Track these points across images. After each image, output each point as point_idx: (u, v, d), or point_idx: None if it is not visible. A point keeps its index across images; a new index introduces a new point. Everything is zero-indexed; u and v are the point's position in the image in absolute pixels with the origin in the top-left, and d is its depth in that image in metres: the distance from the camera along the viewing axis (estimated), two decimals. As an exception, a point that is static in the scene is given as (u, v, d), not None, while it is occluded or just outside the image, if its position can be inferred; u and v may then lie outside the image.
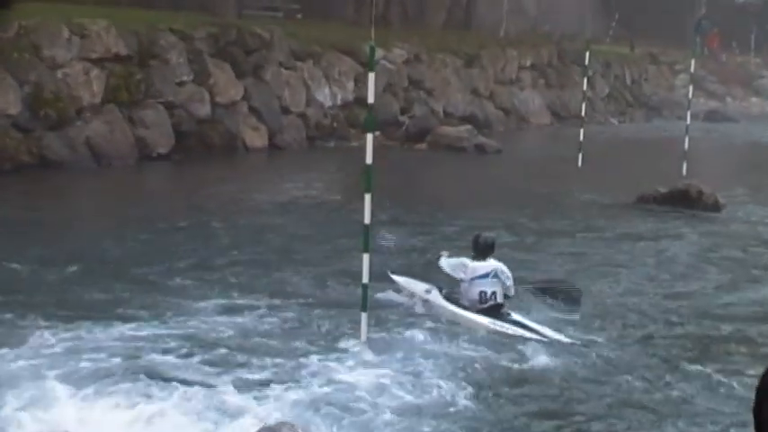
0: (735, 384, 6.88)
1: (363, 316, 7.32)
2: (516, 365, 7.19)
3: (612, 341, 7.79)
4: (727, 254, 11.36)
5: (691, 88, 19.53)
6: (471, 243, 8.32)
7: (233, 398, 6.24)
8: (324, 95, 21.73)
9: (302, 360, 6.97)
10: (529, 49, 29.64)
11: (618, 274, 10.09)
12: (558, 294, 8.25)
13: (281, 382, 6.52)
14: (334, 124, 21.60)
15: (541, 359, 7.23)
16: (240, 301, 8.41)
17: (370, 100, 7.30)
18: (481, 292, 8.07)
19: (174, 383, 6.45)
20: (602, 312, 8.58)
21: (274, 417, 5.82)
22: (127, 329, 7.51)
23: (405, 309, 8.37)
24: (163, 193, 15.29)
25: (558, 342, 7.62)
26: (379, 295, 8.43)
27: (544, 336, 7.70)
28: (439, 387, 6.59)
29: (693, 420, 6.34)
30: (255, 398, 6.30)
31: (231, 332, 7.56)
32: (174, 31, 18.58)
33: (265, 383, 6.51)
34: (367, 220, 7.31)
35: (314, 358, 6.98)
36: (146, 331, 7.47)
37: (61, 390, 6.20)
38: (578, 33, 33.00)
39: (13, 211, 12.32)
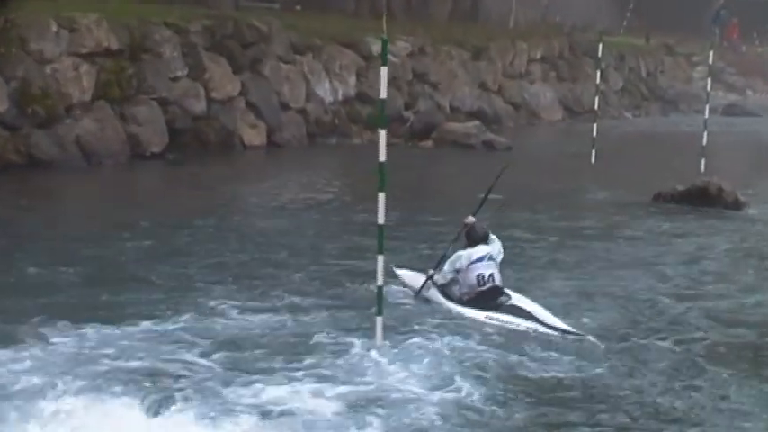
0: (764, 388, 6.91)
1: (379, 320, 7.38)
2: (531, 365, 7.25)
3: (633, 343, 7.84)
4: (749, 253, 11.40)
5: (709, 81, 19.53)
6: (464, 234, 8.68)
7: (251, 403, 6.35)
8: (324, 90, 21.78)
9: (318, 364, 7.04)
10: (539, 40, 29.69)
11: (635, 274, 10.12)
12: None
13: (294, 387, 6.60)
14: (336, 120, 21.66)
15: (564, 360, 7.27)
16: (249, 303, 8.48)
17: (383, 95, 7.31)
18: (479, 275, 8.44)
19: (183, 386, 6.57)
20: (621, 314, 8.63)
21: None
22: (134, 331, 7.65)
23: (415, 306, 8.58)
24: (157, 194, 15.33)
25: (571, 337, 7.76)
26: (392, 287, 8.70)
27: (545, 324, 7.90)
28: (459, 391, 6.65)
29: (720, 427, 6.36)
30: (272, 403, 6.39)
31: (242, 335, 7.65)
32: (168, 24, 18.63)
33: (279, 385, 6.61)
34: (381, 220, 7.34)
35: (329, 362, 7.06)
36: (152, 334, 7.59)
37: (73, 394, 6.35)
38: (591, 24, 33.05)
39: (4, 211, 12.38)
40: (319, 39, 22.07)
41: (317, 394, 6.52)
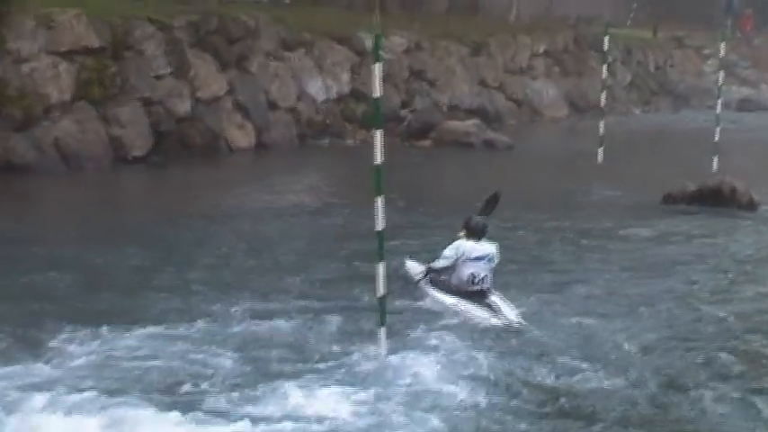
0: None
1: (382, 331, 7.41)
2: (536, 371, 7.32)
3: (645, 350, 7.89)
4: (764, 257, 11.44)
5: (721, 74, 19.62)
6: (463, 225, 8.95)
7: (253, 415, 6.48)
8: (316, 88, 21.85)
9: (325, 370, 7.18)
10: (542, 34, 29.80)
11: (646, 278, 10.18)
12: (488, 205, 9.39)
13: (295, 401, 6.71)
14: (328, 120, 21.72)
15: (580, 368, 7.34)
16: (239, 313, 8.58)
17: (377, 93, 7.32)
18: (473, 274, 8.74)
19: (200, 391, 6.81)
20: (633, 320, 8.68)
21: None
22: (144, 336, 7.86)
23: (421, 310, 8.77)
24: (142, 199, 15.39)
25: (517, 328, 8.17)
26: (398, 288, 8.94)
27: (501, 316, 8.36)
28: (466, 400, 6.74)
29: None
30: (290, 408, 6.58)
31: (252, 340, 7.80)
32: (152, 20, 18.68)
33: (282, 398, 6.73)
34: (379, 226, 7.32)
35: (332, 378, 7.12)
36: (148, 341, 7.77)
37: (88, 399, 6.55)
38: (596, 16, 33.16)
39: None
40: (310, 33, 22.14)
41: (324, 399, 6.69)
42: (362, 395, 6.76)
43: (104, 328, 7.92)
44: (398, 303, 8.72)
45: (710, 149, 17.63)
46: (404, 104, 23.35)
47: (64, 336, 7.81)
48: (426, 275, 9.11)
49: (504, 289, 9.10)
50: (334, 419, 6.42)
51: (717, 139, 17.75)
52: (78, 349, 7.54)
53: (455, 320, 8.46)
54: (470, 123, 22.31)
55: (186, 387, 6.89)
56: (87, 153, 16.55)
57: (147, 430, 6.20)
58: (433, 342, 7.83)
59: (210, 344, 7.71)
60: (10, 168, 15.39)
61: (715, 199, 14.17)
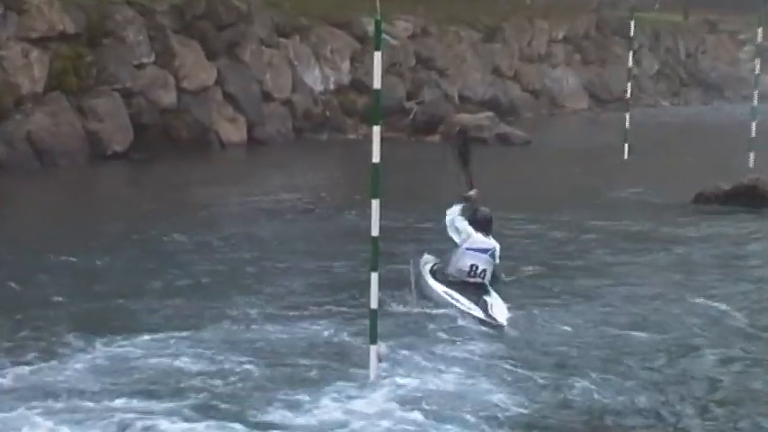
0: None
1: (372, 349, 7.10)
2: (544, 383, 7.24)
3: (676, 359, 7.83)
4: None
5: (758, 62, 19.51)
6: (469, 216, 9.26)
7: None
8: (313, 78, 21.82)
9: (303, 406, 7.03)
10: (561, 18, 29.78)
11: (677, 284, 10.09)
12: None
13: (282, 414, 6.69)
14: (327, 113, 21.68)
15: (588, 392, 7.23)
16: (229, 321, 8.58)
17: (377, 85, 7.13)
18: (473, 265, 9.08)
19: (212, 395, 6.90)
20: (664, 327, 8.61)
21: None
22: (148, 343, 7.91)
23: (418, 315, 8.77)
24: (119, 200, 15.28)
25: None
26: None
27: (489, 315, 8.50)
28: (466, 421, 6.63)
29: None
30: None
31: (217, 367, 7.65)
32: (131, 3, 18.62)
33: (267, 411, 6.72)
34: (374, 231, 7.01)
35: (321, 394, 7.03)
36: (136, 348, 7.83)
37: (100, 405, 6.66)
38: (621, -1, 33.09)
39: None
40: (307, 18, 22.10)
41: (313, 413, 6.69)
42: (348, 417, 6.68)
43: (86, 337, 7.93)
44: (398, 307, 8.81)
45: (746, 145, 17.53)
46: (409, 96, 23.29)
47: (61, 341, 7.84)
48: (433, 266, 9.44)
49: (518, 296, 9.19)
50: None
51: (753, 133, 17.64)
52: (72, 357, 7.56)
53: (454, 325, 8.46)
54: (483, 116, 22.22)
55: (165, 393, 6.87)
56: (62, 148, 16.52)
57: None
58: (429, 365, 7.69)
59: (208, 348, 7.75)
60: (-23, 165, 15.37)
61: (750, 198, 14.11)
